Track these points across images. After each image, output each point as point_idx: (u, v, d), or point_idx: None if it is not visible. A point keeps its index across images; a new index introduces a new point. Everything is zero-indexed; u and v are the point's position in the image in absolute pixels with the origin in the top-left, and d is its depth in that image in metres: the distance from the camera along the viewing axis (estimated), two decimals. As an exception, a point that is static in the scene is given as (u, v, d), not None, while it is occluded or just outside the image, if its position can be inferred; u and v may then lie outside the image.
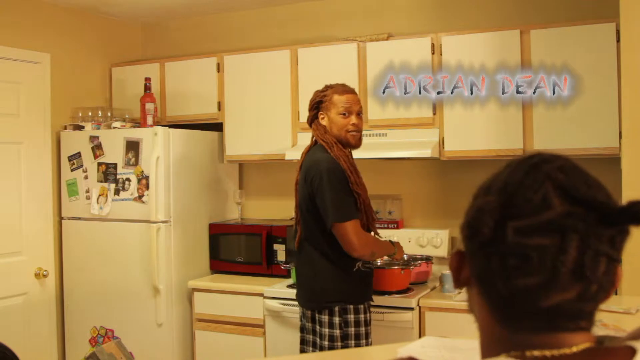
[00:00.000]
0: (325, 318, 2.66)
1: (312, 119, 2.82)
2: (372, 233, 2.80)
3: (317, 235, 2.69)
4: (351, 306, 2.67)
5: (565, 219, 0.74)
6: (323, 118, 2.77)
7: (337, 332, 2.64)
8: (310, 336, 2.73)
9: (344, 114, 2.74)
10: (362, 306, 2.70)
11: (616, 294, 2.88)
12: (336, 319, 2.65)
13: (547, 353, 0.76)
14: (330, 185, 2.60)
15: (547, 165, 0.78)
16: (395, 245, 2.89)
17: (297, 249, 2.82)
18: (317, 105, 2.80)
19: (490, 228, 0.76)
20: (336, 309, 2.65)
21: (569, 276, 0.74)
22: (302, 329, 2.83)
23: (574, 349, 0.76)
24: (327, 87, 2.82)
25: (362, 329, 2.69)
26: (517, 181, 0.78)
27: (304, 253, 2.77)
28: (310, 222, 2.71)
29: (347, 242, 2.60)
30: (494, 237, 0.76)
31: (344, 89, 2.79)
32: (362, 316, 2.69)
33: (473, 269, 0.81)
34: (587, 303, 0.77)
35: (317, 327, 2.69)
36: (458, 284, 0.86)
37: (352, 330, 2.67)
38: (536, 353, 0.76)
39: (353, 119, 2.75)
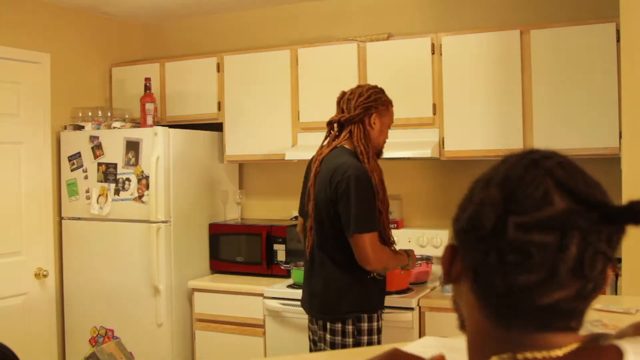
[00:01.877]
0: (338, 327, 2.54)
1: (358, 118, 2.55)
2: (392, 245, 2.67)
3: (333, 243, 2.54)
4: (365, 315, 2.56)
5: (566, 216, 0.73)
6: (375, 123, 2.55)
7: (349, 340, 2.54)
8: (322, 344, 2.61)
9: (389, 127, 2.63)
10: (375, 315, 2.58)
11: (616, 293, 2.89)
12: (349, 327, 2.54)
13: (538, 355, 0.76)
14: (357, 193, 2.42)
15: (546, 161, 0.78)
16: (410, 257, 2.73)
17: (309, 257, 2.64)
18: (376, 105, 2.56)
19: (492, 222, 0.75)
20: (350, 318, 2.54)
21: (568, 274, 0.73)
22: (310, 336, 2.72)
23: (564, 350, 0.76)
24: (378, 88, 2.61)
25: (375, 337, 2.58)
26: (517, 176, 0.77)
27: (317, 261, 2.61)
28: (327, 228, 2.54)
29: (362, 254, 2.45)
30: (494, 231, 0.75)
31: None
32: (375, 324, 2.58)
33: (468, 264, 0.80)
34: (581, 302, 0.76)
35: (329, 335, 2.57)
36: (449, 278, 0.84)
37: (365, 338, 2.56)
38: (528, 355, 0.76)
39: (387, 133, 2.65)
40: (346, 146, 2.57)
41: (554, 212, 0.74)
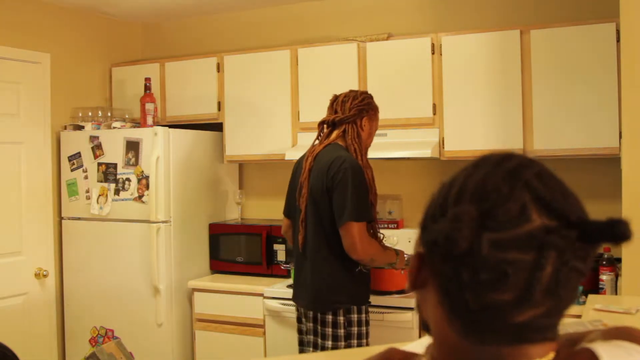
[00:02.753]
0: (329, 318, 2.63)
1: (352, 119, 2.68)
2: (382, 239, 2.79)
3: (326, 233, 2.63)
4: (355, 307, 2.66)
5: (543, 235, 0.70)
6: (365, 125, 2.70)
7: (341, 331, 2.63)
8: (311, 337, 2.70)
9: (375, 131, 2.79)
10: (364, 306, 2.70)
11: (616, 293, 2.89)
12: (340, 319, 2.63)
13: None
14: (354, 183, 2.54)
15: (524, 172, 0.74)
16: (398, 255, 2.83)
17: (301, 250, 2.72)
18: (368, 108, 2.70)
19: (468, 241, 0.70)
20: (340, 309, 2.63)
21: (543, 293, 0.71)
22: (300, 331, 2.81)
23: None
24: (371, 95, 2.77)
25: (364, 329, 2.68)
26: (493, 188, 0.73)
27: (309, 254, 2.70)
28: (319, 219, 2.63)
29: (350, 242, 2.56)
30: (468, 249, 0.70)
31: None
32: (363, 316, 2.69)
33: (438, 277, 0.75)
34: (554, 318, 0.74)
35: (319, 327, 2.65)
36: (414, 286, 0.79)
37: (355, 329, 2.65)
38: None
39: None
40: (340, 143, 2.68)
41: (531, 229, 0.70)
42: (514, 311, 0.71)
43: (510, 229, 0.70)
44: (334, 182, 2.56)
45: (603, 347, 0.77)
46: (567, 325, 1.79)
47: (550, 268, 0.70)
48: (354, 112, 2.66)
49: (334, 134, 2.70)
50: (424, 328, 0.83)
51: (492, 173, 0.75)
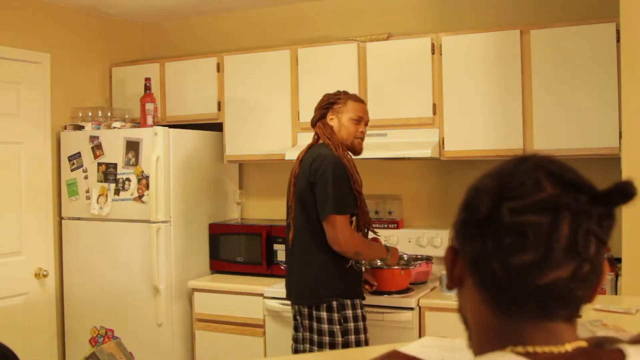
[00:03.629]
0: (324, 314, 2.67)
1: (319, 119, 2.86)
2: (368, 233, 2.85)
3: (314, 230, 2.71)
4: (348, 301, 2.70)
5: (557, 199, 0.78)
6: (332, 119, 2.82)
7: (336, 327, 2.66)
8: (307, 334, 2.73)
9: (356, 120, 2.82)
10: (357, 301, 2.74)
11: (616, 293, 2.89)
12: (335, 315, 2.67)
13: (555, 349, 0.78)
14: (334, 177, 2.65)
15: (535, 158, 0.83)
16: (389, 251, 2.92)
17: (291, 244, 2.81)
18: (329, 105, 2.84)
19: (487, 207, 0.79)
20: (334, 304, 2.67)
21: (563, 252, 0.77)
22: (297, 328, 2.83)
23: (568, 347, 0.79)
24: (341, 92, 2.88)
25: (361, 324, 2.72)
26: (510, 169, 0.82)
27: (298, 247, 2.78)
28: (307, 216, 2.73)
29: (332, 234, 2.65)
30: (490, 217, 0.79)
31: (358, 98, 2.90)
32: (358, 311, 2.72)
33: (468, 256, 0.83)
34: (578, 285, 0.79)
35: (315, 324, 2.69)
36: (452, 280, 0.87)
37: (351, 325, 2.69)
38: (538, 349, 0.78)
39: (362, 127, 2.85)
40: (324, 142, 2.81)
41: (545, 196, 0.78)
42: (538, 272, 0.77)
43: (526, 197, 0.78)
44: (316, 178, 2.68)
45: (635, 349, 0.81)
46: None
47: (567, 228, 0.77)
48: (318, 114, 2.86)
49: (315, 136, 2.88)
50: (466, 330, 0.89)
51: (507, 162, 0.84)
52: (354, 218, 2.75)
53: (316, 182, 2.68)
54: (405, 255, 3.41)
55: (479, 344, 0.85)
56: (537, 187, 0.79)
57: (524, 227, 0.77)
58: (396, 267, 3.16)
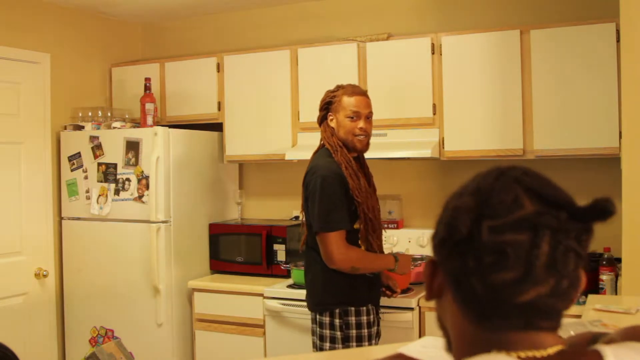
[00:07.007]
0: (326, 320, 2.63)
1: (322, 120, 2.74)
2: (373, 243, 2.68)
3: (315, 239, 2.66)
4: (352, 308, 2.61)
5: (536, 217, 0.78)
6: (332, 120, 2.69)
7: (338, 333, 2.60)
8: (315, 338, 2.70)
9: (351, 117, 2.65)
10: (364, 308, 2.63)
11: (616, 293, 2.89)
12: (337, 321, 2.61)
13: (537, 354, 0.79)
14: (322, 192, 2.54)
15: (512, 171, 0.83)
16: (398, 260, 2.74)
17: (301, 250, 2.82)
18: (327, 105, 2.72)
19: (467, 227, 0.79)
20: (337, 311, 2.61)
21: (543, 270, 0.77)
22: (313, 332, 2.77)
23: (550, 351, 0.79)
24: (337, 87, 2.74)
25: (365, 331, 2.62)
26: (488, 185, 0.82)
27: (307, 256, 2.76)
28: (310, 224, 2.68)
29: (325, 252, 2.56)
30: (470, 236, 0.79)
31: (353, 91, 2.70)
32: (364, 318, 2.62)
33: (448, 272, 0.83)
34: (559, 299, 0.79)
35: (318, 328, 2.66)
36: (431, 293, 0.87)
37: (353, 332, 2.61)
38: (521, 354, 0.78)
39: (361, 122, 2.66)
40: (325, 146, 2.73)
41: (524, 214, 0.78)
42: (519, 290, 0.77)
43: (506, 216, 0.78)
44: (307, 192, 2.63)
45: (612, 348, 0.82)
46: (568, 325, 1.79)
47: (547, 246, 0.77)
48: (321, 114, 2.75)
49: (320, 140, 2.79)
50: (447, 349, 0.89)
51: (486, 176, 0.84)
52: (361, 226, 2.63)
53: (307, 197, 2.62)
54: (417, 256, 3.39)
55: (459, 351, 0.85)
56: (516, 205, 0.79)
57: (504, 246, 0.77)
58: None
